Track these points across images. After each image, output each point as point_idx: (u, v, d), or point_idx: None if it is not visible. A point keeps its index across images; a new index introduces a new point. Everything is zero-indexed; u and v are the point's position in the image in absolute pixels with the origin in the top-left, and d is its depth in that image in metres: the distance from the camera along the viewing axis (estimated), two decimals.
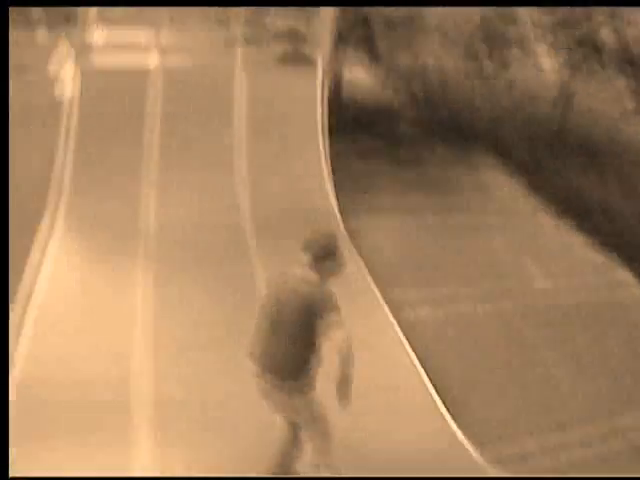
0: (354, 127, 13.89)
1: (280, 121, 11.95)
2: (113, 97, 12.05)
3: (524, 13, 14.69)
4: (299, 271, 5.18)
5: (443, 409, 7.26)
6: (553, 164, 14.03)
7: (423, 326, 8.92)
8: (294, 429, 5.67)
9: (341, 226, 10.84)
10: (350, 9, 12.97)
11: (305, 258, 5.14)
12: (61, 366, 7.53)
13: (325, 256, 5.14)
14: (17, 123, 12.82)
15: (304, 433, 5.61)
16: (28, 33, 19.13)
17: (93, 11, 13.60)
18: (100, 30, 13.64)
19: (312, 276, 5.14)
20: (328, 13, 12.62)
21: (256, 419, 6.45)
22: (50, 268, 9.31)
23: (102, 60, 12.99)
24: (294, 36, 13.50)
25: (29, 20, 27.75)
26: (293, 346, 5.15)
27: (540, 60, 16.99)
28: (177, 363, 7.62)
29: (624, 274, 10.86)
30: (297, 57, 13.40)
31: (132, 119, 11.84)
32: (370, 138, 13.94)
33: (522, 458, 6.98)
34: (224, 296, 8.86)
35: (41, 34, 29.25)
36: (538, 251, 11.42)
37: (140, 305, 8.64)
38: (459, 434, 6.96)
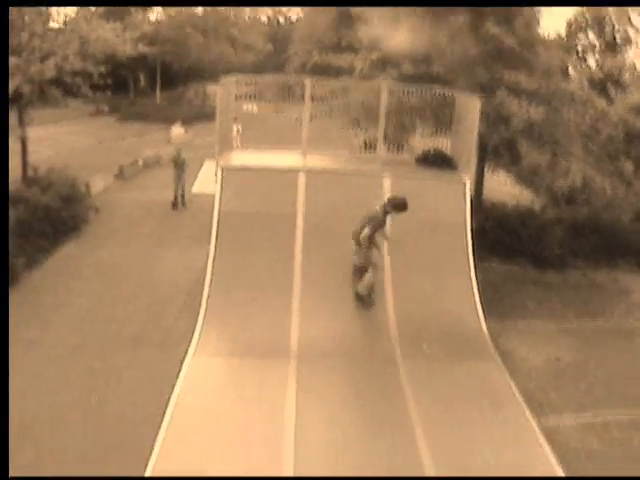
0: (498, 231, 14.06)
1: (426, 227, 11.87)
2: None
3: None
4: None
5: None
6: None
7: (568, 438, 8.93)
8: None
9: (486, 334, 10.87)
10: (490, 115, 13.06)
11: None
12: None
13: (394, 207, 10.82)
14: None
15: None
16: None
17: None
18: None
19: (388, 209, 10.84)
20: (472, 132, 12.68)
21: None
22: (191, 367, 9.60)
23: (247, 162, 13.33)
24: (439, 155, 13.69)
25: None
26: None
27: None
28: None
29: None
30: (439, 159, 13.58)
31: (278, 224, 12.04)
32: (514, 243, 14.07)
33: None
34: (370, 404, 9.04)
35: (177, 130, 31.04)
36: None
37: (284, 412, 8.79)
38: None
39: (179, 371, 9.44)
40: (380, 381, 9.60)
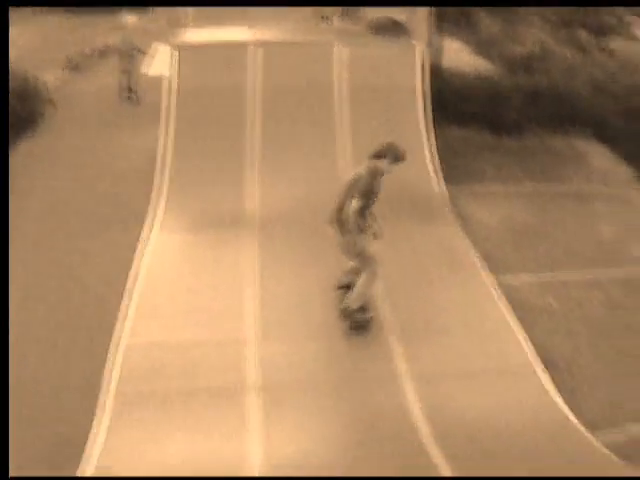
0: (455, 98, 13.90)
1: (382, 93, 11.91)
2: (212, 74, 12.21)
3: None
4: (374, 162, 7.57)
5: (553, 390, 7.34)
6: None
7: (526, 296, 9.04)
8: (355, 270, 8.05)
9: (444, 197, 11.10)
10: None
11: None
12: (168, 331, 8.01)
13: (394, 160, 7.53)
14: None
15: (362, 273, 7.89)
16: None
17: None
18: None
19: (380, 165, 7.51)
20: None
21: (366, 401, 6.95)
22: (156, 247, 9.66)
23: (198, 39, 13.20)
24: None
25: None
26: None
27: (636, 31, 16.75)
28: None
29: None
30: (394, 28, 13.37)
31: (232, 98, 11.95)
32: (471, 110, 13.93)
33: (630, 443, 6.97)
34: (330, 268, 8.96)
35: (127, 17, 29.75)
36: (638, 220, 11.42)
37: (247, 277, 8.97)
38: (571, 416, 7.02)
39: (143, 248, 9.49)
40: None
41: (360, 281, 7.90)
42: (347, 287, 8.18)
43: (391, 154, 7.51)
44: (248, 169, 11.19)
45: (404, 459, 6.34)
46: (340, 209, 7.66)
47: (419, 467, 6.22)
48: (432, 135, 11.87)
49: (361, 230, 7.60)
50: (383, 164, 7.53)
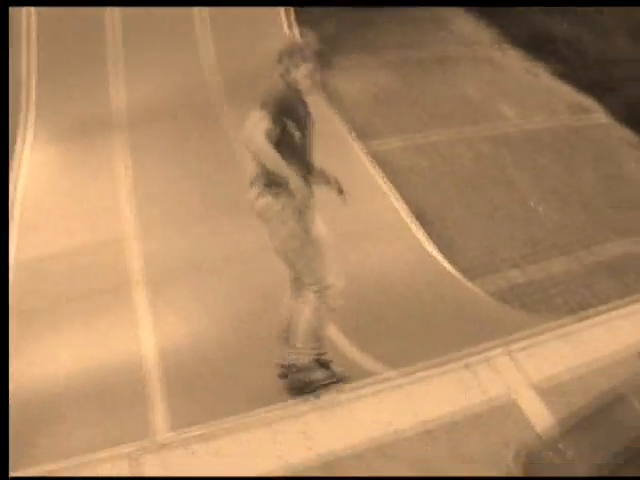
0: None
1: None
2: None
3: None
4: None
5: (428, 242, 7.42)
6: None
7: (396, 159, 9.01)
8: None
9: None
10: None
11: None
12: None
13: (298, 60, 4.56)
14: None
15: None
16: None
17: None
18: None
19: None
20: None
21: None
22: (30, 158, 9.37)
23: None
24: None
25: None
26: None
27: None
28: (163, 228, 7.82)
29: (586, 99, 10.94)
30: None
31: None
32: None
33: (510, 288, 7.14)
34: (200, 157, 8.99)
35: None
36: (503, 80, 11.42)
37: (122, 177, 8.79)
38: (449, 267, 7.11)
39: (17, 163, 9.15)
40: (209, 135, 9.47)
41: (302, 319, 4.76)
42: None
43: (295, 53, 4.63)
44: (112, 74, 10.90)
45: None
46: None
47: None
48: (292, 13, 11.70)
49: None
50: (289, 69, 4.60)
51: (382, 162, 8.74)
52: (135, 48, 11.13)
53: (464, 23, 13.61)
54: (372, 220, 7.73)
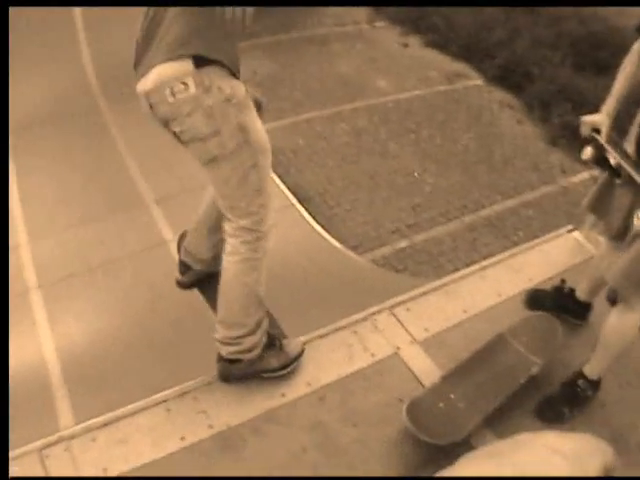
0: None
1: None
2: None
3: None
4: None
5: (314, 223, 7.42)
6: None
7: (272, 141, 8.93)
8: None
9: None
10: None
11: None
12: None
13: None
14: None
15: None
16: None
17: None
18: None
19: None
20: None
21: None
22: None
23: None
24: None
25: None
26: None
27: None
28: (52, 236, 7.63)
29: (460, 66, 11.22)
30: None
31: None
32: None
33: (396, 256, 7.26)
34: (84, 156, 8.84)
35: None
36: (378, 56, 11.52)
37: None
38: (336, 243, 7.16)
39: None
40: (91, 134, 9.22)
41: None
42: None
43: None
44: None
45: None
46: None
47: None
48: None
49: None
50: None
51: None
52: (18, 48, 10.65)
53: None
54: None
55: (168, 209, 7.69)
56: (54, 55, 10.68)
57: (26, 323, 6.44)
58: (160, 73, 3.26)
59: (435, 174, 8.55)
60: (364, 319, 4.96)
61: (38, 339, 6.25)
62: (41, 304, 6.65)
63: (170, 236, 7.14)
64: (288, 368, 4.30)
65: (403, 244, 7.42)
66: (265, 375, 4.24)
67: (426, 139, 9.24)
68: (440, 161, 8.82)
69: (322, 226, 7.34)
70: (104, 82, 10.17)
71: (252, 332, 3.97)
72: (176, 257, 4.79)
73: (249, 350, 4.04)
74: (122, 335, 6.21)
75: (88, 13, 11.13)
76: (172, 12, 3.20)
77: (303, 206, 7.59)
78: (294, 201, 7.65)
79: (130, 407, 4.30)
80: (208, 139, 3.34)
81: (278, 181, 7.81)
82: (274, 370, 4.24)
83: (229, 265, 3.78)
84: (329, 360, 4.63)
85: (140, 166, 8.40)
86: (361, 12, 13.23)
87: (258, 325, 3.98)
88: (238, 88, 3.40)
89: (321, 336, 4.83)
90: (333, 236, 7.23)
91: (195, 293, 4.80)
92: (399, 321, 4.91)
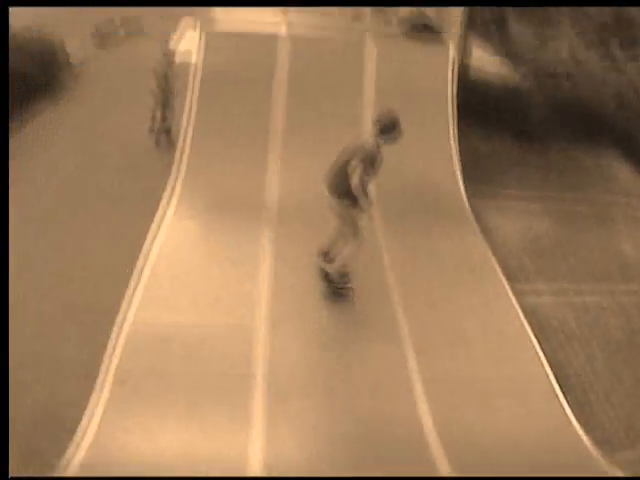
0: (481, 107, 13.73)
1: (410, 95, 11.55)
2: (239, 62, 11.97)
3: None
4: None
5: (567, 408, 7.17)
6: None
7: (546, 315, 8.80)
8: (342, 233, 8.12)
9: (466, 206, 10.78)
10: None
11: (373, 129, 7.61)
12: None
13: (387, 129, 7.55)
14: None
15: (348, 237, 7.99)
16: None
17: None
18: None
19: (372, 139, 7.59)
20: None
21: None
22: (170, 228, 9.48)
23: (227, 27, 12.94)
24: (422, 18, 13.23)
25: None
26: (345, 177, 7.54)
27: None
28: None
29: None
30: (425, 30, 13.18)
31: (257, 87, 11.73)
32: (496, 119, 13.76)
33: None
34: None
35: None
36: None
37: (261, 266, 8.82)
38: (583, 436, 6.86)
39: (155, 230, 9.32)
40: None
41: (346, 250, 8.08)
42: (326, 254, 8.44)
43: (396, 128, 7.63)
44: (269, 157, 10.97)
45: (410, 466, 6.20)
46: (337, 174, 7.76)
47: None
48: (457, 142, 11.64)
49: (358, 201, 7.59)
50: (385, 137, 7.59)
51: (531, 314, 8.59)
52: (297, 131, 11.22)
53: (626, 175, 13.62)
54: (513, 369, 7.61)
55: (424, 351, 7.64)
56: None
57: (238, 414, 6.48)
58: None
59: None
60: None
61: (247, 437, 6.23)
62: (262, 401, 6.66)
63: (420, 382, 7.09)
64: None
65: None
66: None
67: None
68: None
69: (576, 417, 7.08)
70: (383, 199, 10.33)
71: None
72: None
73: None
74: (339, 460, 6.16)
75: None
76: None
77: (561, 390, 7.38)
78: (553, 383, 7.47)
79: None
80: None
81: (543, 357, 7.76)
82: None
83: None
84: None
85: (402, 298, 8.47)
86: None
87: None
88: None
89: None
90: (584, 429, 6.93)
91: None
92: None
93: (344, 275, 8.29)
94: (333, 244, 8.34)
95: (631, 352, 8.45)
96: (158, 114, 11.69)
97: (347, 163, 7.55)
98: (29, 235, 9.12)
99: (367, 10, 13.74)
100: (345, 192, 7.60)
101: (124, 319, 7.60)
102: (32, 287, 8.17)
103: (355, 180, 7.40)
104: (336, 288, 8.26)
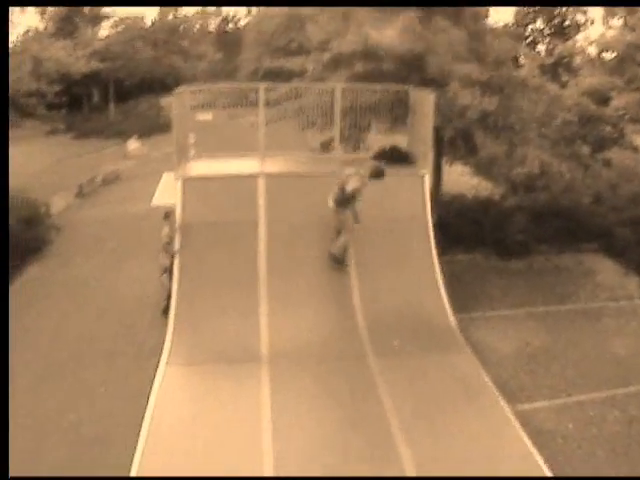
0: (455, 220, 14.18)
1: (390, 224, 12.04)
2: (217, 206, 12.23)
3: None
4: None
5: None
6: None
7: (542, 419, 9.01)
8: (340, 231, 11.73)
9: (452, 320, 11.05)
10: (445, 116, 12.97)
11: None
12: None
13: (376, 176, 11.63)
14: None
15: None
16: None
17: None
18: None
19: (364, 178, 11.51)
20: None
21: None
22: (167, 381, 9.67)
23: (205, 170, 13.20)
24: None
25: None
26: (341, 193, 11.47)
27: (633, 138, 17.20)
28: None
29: None
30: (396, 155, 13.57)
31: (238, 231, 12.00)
32: (472, 230, 14.21)
33: None
34: (347, 403, 9.15)
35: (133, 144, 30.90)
36: None
37: (262, 410, 8.97)
38: None
39: (153, 381, 9.53)
40: (353, 379, 9.68)
41: (341, 238, 11.72)
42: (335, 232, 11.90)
43: (380, 176, 11.72)
44: (255, 303, 11.17)
45: None
46: (337, 192, 11.47)
47: None
48: (439, 265, 11.84)
49: (346, 206, 11.52)
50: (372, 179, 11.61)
51: (527, 422, 8.74)
52: (280, 280, 11.40)
53: (609, 272, 13.96)
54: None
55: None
56: (321, 295, 11.46)
57: None
58: None
59: None
60: None
61: None
62: None
63: None
64: None
65: None
66: None
67: None
68: None
69: None
70: (373, 330, 10.72)
71: None
72: None
73: None
74: None
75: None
76: None
77: None
78: None
79: None
80: None
81: (544, 466, 7.85)
82: None
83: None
84: None
85: (402, 427, 8.57)
86: (632, 284, 13.31)
87: None
88: None
89: None
90: None
91: None
92: None
93: (343, 254, 11.72)
94: (335, 234, 11.70)
95: (630, 448, 8.58)
96: (167, 282, 11.67)
97: (343, 185, 11.37)
98: (28, 393, 9.40)
99: (337, 141, 14.06)
100: (340, 203, 11.45)
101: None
102: (37, 445, 8.42)
103: (351, 188, 11.32)
104: (338, 263, 11.70)
